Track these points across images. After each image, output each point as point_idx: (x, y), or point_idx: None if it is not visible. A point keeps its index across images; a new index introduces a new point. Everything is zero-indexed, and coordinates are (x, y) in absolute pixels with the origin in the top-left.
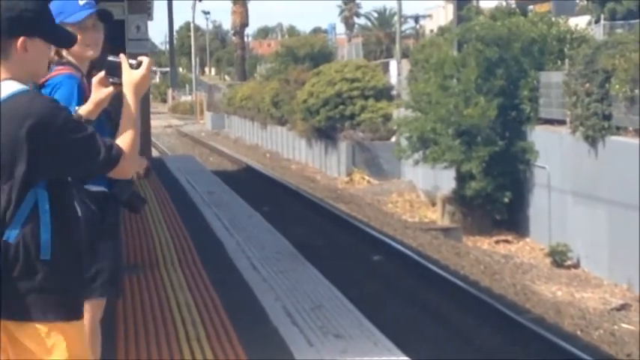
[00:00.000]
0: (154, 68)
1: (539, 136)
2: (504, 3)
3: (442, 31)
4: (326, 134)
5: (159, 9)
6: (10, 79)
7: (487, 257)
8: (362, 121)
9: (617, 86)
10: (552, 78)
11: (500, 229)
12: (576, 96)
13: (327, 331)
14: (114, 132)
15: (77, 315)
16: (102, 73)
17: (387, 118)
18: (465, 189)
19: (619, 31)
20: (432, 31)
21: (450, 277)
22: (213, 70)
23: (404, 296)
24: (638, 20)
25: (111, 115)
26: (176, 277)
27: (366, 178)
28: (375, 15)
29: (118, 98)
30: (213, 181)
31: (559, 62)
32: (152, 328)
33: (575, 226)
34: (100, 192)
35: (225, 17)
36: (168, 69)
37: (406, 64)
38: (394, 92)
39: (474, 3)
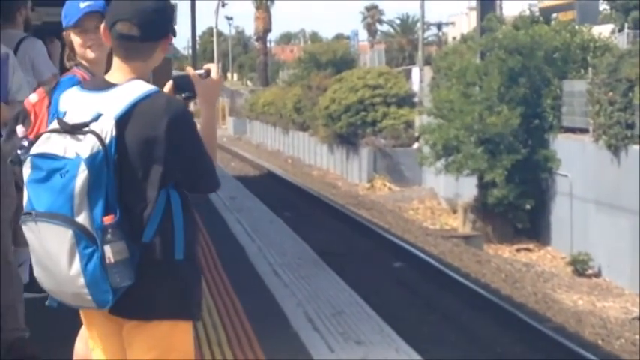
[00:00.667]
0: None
1: (561, 145)
2: (528, 11)
3: (465, 38)
4: (348, 140)
5: (182, 14)
6: (136, 78)
7: (508, 265)
8: (384, 127)
9: None
10: (575, 86)
11: (522, 237)
12: (599, 105)
13: (348, 337)
14: None
15: (197, 315)
16: (169, 87)
17: (408, 124)
18: (486, 197)
19: None
20: (454, 38)
21: (470, 285)
22: (235, 76)
23: (425, 303)
24: None
25: None
26: None
27: (388, 184)
28: (398, 22)
29: None
30: (235, 186)
31: (582, 71)
32: None
33: (597, 234)
34: None
35: (248, 23)
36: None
37: (428, 72)
38: (416, 99)
39: (497, 12)
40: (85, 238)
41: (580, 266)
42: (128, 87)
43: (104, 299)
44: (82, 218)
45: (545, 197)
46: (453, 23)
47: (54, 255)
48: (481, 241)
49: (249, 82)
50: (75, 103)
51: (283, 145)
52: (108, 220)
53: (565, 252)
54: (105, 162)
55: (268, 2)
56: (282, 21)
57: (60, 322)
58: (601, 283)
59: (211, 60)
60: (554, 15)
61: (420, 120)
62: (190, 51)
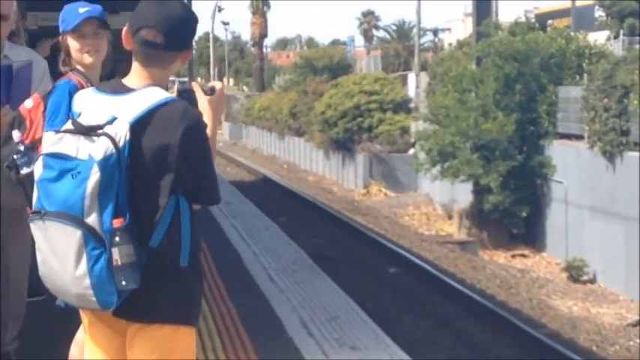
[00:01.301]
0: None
1: (556, 151)
2: (523, 18)
3: (461, 44)
4: (343, 146)
5: None
6: (154, 85)
7: (503, 271)
8: (379, 133)
9: (635, 102)
10: (571, 93)
11: (517, 243)
12: (594, 111)
13: (343, 342)
14: None
15: (197, 321)
16: None
17: (404, 130)
18: (482, 203)
19: (638, 46)
20: (450, 44)
21: (466, 291)
22: (231, 81)
23: (420, 309)
24: None
25: None
26: None
27: (383, 190)
28: (394, 28)
29: None
30: (231, 191)
31: (578, 77)
32: None
33: (592, 241)
34: None
35: (244, 28)
36: (186, 79)
37: (424, 77)
38: (412, 105)
39: (493, 18)
40: (93, 240)
41: (575, 272)
42: (145, 93)
43: (109, 301)
44: (91, 219)
45: (541, 203)
46: (449, 29)
47: (61, 254)
48: (476, 247)
49: (245, 88)
50: (90, 105)
51: (279, 151)
52: (117, 223)
53: (560, 258)
54: (117, 165)
55: (265, 8)
56: (279, 26)
57: (59, 323)
58: (596, 290)
59: (207, 65)
60: (550, 21)
61: (416, 126)
62: None
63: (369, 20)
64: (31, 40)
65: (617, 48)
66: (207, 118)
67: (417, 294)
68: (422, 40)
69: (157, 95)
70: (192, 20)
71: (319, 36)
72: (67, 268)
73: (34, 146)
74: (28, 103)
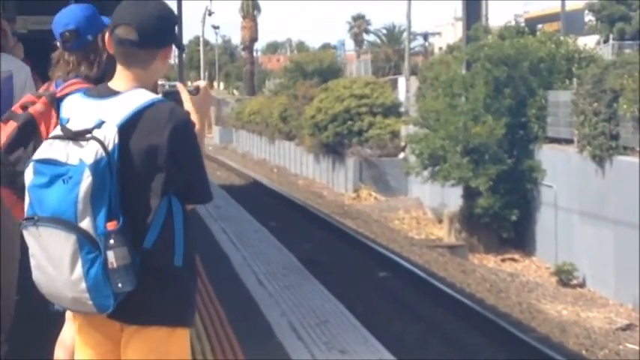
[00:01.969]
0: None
1: (546, 155)
2: (513, 22)
3: (451, 48)
4: (334, 150)
5: None
6: (140, 87)
7: (493, 275)
8: (370, 137)
9: (624, 106)
10: (560, 97)
11: (507, 247)
12: (584, 115)
13: (333, 346)
14: None
15: (192, 322)
16: None
17: (394, 134)
18: (472, 207)
19: (627, 51)
20: (440, 48)
21: (455, 295)
22: (221, 85)
23: (409, 313)
24: None
25: None
26: None
27: (373, 194)
28: (384, 32)
29: None
30: (221, 195)
31: (567, 81)
32: None
33: (582, 245)
34: None
35: (234, 32)
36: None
37: (415, 81)
38: (402, 109)
39: (483, 22)
40: (87, 244)
41: (565, 276)
42: (131, 95)
43: (105, 304)
44: (85, 224)
45: (530, 207)
46: (439, 33)
47: (55, 260)
48: (466, 251)
49: (235, 91)
50: (78, 110)
51: (269, 155)
52: (111, 226)
53: (550, 262)
54: (108, 168)
55: (255, 11)
56: (269, 30)
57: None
58: (585, 294)
59: (198, 68)
60: (539, 26)
61: (406, 130)
62: (177, 60)
63: (359, 24)
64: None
65: (607, 52)
66: (194, 118)
67: (406, 298)
68: (412, 44)
69: (143, 97)
70: (168, 18)
71: (310, 40)
72: (63, 273)
73: None
74: (40, 108)
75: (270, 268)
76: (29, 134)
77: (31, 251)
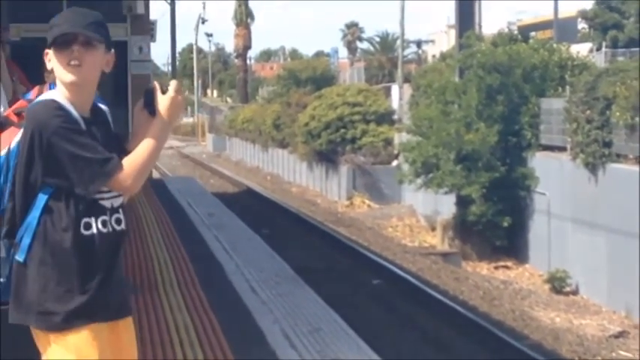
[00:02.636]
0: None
1: (539, 163)
2: (506, 29)
3: (444, 56)
4: (327, 158)
5: (161, 30)
6: (60, 89)
7: (486, 282)
8: (363, 145)
9: (617, 114)
10: (553, 105)
11: (500, 254)
12: (577, 123)
13: (326, 354)
14: None
15: (60, 327)
16: (140, 104)
17: (388, 142)
18: (465, 214)
19: (620, 58)
20: (434, 56)
21: (448, 302)
22: (215, 92)
23: (403, 320)
24: (639, 48)
25: None
26: (174, 298)
27: (367, 202)
28: (378, 39)
29: None
30: (214, 203)
31: (560, 89)
32: (150, 349)
33: (575, 252)
34: None
35: (228, 40)
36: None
37: (408, 89)
38: (395, 117)
39: (476, 29)
40: None
41: (558, 284)
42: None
43: None
44: None
45: (524, 215)
46: (432, 41)
47: None
48: (459, 259)
49: (228, 99)
50: None
51: (263, 162)
52: None
53: (543, 270)
54: (5, 165)
55: (248, 19)
56: (263, 38)
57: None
58: (578, 301)
59: (191, 76)
60: (532, 33)
61: (399, 137)
62: (170, 67)
63: (352, 32)
64: (14, 52)
65: (600, 60)
66: (163, 114)
67: (399, 305)
68: (405, 52)
69: (40, 97)
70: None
71: (303, 47)
72: None
73: None
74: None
75: (263, 276)
76: None
77: None
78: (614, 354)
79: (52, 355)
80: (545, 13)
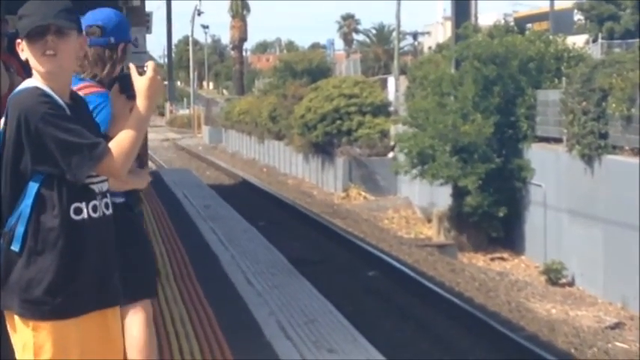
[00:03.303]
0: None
1: (535, 154)
2: (502, 21)
3: (440, 48)
4: (323, 149)
5: (158, 22)
6: (37, 77)
7: (482, 274)
8: (359, 136)
9: (613, 105)
10: (549, 96)
11: (496, 246)
12: (573, 114)
13: (321, 345)
14: None
15: (47, 317)
16: (116, 87)
17: (384, 134)
18: (461, 206)
19: (616, 50)
20: (430, 48)
21: (444, 294)
22: (211, 84)
23: (398, 312)
24: (635, 39)
25: None
26: (170, 290)
27: (363, 193)
28: (374, 31)
29: None
30: (210, 195)
31: (556, 80)
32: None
33: (571, 244)
34: (120, 203)
35: (224, 32)
36: (166, 82)
37: (404, 81)
38: (392, 108)
39: (472, 21)
40: None
41: (554, 275)
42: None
43: None
44: None
45: (520, 206)
46: (428, 33)
47: None
48: (455, 250)
49: (225, 91)
50: None
51: (259, 154)
52: None
53: (539, 261)
54: None
55: (244, 11)
56: (259, 30)
57: None
58: (574, 292)
59: (187, 68)
60: (528, 25)
61: (396, 129)
62: (166, 59)
63: (348, 24)
64: (12, 44)
65: (596, 51)
66: (139, 97)
67: (395, 297)
68: (401, 44)
69: (19, 87)
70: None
71: (299, 39)
72: None
73: None
74: None
75: (258, 268)
76: None
77: None
78: (610, 345)
79: (30, 343)
80: (542, 4)
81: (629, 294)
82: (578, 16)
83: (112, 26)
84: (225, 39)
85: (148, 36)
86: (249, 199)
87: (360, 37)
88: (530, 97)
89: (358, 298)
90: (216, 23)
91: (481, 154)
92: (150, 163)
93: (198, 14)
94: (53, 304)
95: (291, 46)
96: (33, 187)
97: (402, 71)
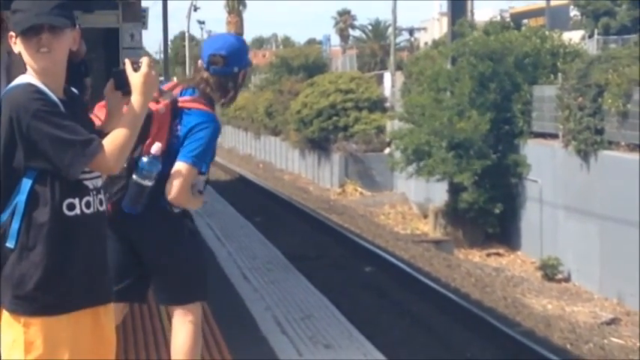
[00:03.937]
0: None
1: (531, 150)
2: (499, 17)
3: (436, 44)
4: (319, 145)
5: (154, 18)
6: (30, 74)
7: (478, 270)
8: (355, 132)
9: (609, 101)
10: (545, 92)
11: (492, 242)
12: (569, 110)
13: (317, 341)
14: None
15: (38, 313)
16: (110, 83)
17: (380, 129)
18: (457, 202)
19: (612, 45)
20: (426, 43)
21: (441, 290)
22: None
23: (395, 308)
24: (631, 35)
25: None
26: None
27: (359, 189)
28: (370, 27)
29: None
30: (206, 190)
31: (552, 76)
32: (141, 336)
33: (567, 239)
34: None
35: (220, 27)
36: (162, 78)
37: (400, 77)
38: (388, 104)
39: (469, 17)
40: None
41: (550, 271)
42: (14, 81)
43: None
44: None
45: (516, 202)
46: (424, 29)
47: None
48: (451, 246)
49: None
50: None
51: (255, 150)
52: None
53: (535, 257)
54: None
55: (240, 7)
56: (255, 25)
57: None
58: (570, 288)
59: (183, 64)
60: (524, 21)
61: (392, 125)
62: (162, 55)
63: (345, 19)
64: None
65: (592, 47)
66: (134, 93)
67: (392, 293)
68: (398, 40)
69: (14, 82)
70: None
71: (295, 35)
72: None
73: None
74: (162, 109)
75: (255, 263)
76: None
77: None
78: (605, 341)
79: (20, 340)
80: (538, 0)
81: (624, 290)
82: (574, 12)
83: (235, 55)
84: None
85: (144, 32)
86: (246, 195)
87: (357, 33)
88: (526, 93)
89: (354, 293)
90: (212, 19)
91: (477, 150)
92: None
93: (195, 10)
94: (44, 300)
95: (287, 41)
96: (27, 184)
97: (398, 67)
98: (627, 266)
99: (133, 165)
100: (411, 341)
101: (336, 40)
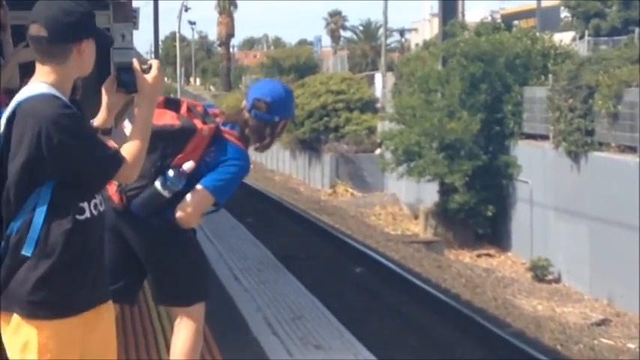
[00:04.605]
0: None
1: (522, 151)
2: (489, 18)
3: (427, 45)
4: (310, 146)
5: (144, 18)
6: (45, 82)
7: (469, 271)
8: (346, 133)
9: (600, 102)
10: (536, 93)
11: (482, 242)
12: (560, 111)
13: (308, 341)
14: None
15: (64, 313)
16: (111, 78)
17: (371, 130)
18: (448, 202)
19: (603, 47)
20: (417, 44)
21: (431, 290)
22: (198, 81)
23: (385, 308)
24: (622, 37)
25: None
26: None
27: (350, 190)
28: (361, 28)
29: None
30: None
31: (543, 77)
32: (132, 338)
33: (557, 240)
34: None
35: (211, 28)
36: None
37: (391, 77)
38: (379, 105)
39: (459, 18)
40: None
41: (540, 272)
42: (24, 89)
43: None
44: None
45: (506, 203)
46: (415, 29)
47: None
48: (442, 247)
49: (212, 87)
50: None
51: None
52: None
53: (525, 258)
54: None
55: (231, 7)
56: (246, 26)
57: None
58: (561, 289)
59: (174, 64)
60: (515, 22)
61: (383, 126)
62: (153, 55)
63: (335, 20)
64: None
65: (582, 48)
66: (143, 96)
67: (382, 293)
68: (389, 41)
69: (28, 90)
70: (77, 11)
71: (286, 36)
72: None
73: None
74: (206, 131)
75: (246, 264)
76: (178, 139)
77: None
78: (595, 342)
79: (34, 343)
80: (528, 1)
81: (614, 291)
82: (564, 13)
83: (279, 104)
84: (213, 35)
85: (135, 32)
86: (237, 196)
87: (348, 34)
88: (517, 94)
89: (345, 294)
90: (203, 19)
91: (468, 151)
92: None
93: (186, 10)
94: (60, 304)
95: (278, 42)
96: (46, 193)
97: (389, 68)
98: (617, 267)
99: (160, 172)
100: (401, 342)
101: (327, 40)
